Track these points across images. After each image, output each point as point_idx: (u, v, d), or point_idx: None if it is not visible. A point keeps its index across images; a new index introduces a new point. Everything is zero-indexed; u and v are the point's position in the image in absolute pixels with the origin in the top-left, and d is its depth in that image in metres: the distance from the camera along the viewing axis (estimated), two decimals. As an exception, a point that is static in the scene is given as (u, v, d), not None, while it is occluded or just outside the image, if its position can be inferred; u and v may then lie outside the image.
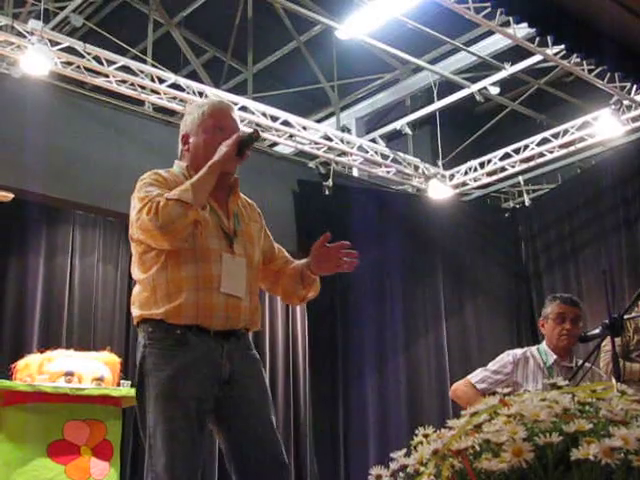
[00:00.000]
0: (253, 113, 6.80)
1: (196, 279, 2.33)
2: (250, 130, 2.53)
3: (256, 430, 2.34)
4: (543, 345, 3.70)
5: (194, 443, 2.25)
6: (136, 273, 2.44)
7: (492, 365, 3.67)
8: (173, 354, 2.30)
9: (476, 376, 3.65)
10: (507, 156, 7.77)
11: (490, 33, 6.90)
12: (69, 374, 4.38)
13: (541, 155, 7.60)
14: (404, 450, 1.51)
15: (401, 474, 1.47)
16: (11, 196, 5.95)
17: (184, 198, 2.25)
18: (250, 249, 2.48)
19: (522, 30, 5.87)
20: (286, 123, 7.05)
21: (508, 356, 3.67)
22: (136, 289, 2.43)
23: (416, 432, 1.54)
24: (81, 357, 4.61)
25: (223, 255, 2.38)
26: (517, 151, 7.69)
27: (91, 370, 4.49)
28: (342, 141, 7.50)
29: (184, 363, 2.28)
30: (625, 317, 2.89)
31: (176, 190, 2.29)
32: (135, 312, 2.41)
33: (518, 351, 3.71)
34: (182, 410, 2.25)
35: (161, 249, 2.34)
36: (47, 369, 4.39)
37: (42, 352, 4.57)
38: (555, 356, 3.63)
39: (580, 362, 3.41)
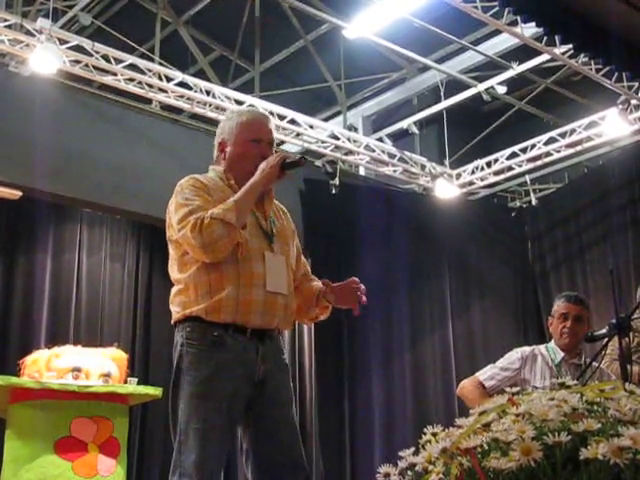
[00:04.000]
0: (260, 112, 6.80)
1: (237, 277, 2.38)
2: (297, 155, 2.60)
3: (280, 432, 2.40)
4: (551, 343, 3.72)
5: (224, 442, 2.32)
6: (175, 273, 2.48)
7: (500, 362, 3.68)
8: (210, 354, 2.35)
9: (484, 373, 3.65)
10: (514, 155, 7.76)
11: (497, 32, 6.89)
12: (77, 370, 4.40)
13: (548, 154, 7.58)
14: (412, 449, 1.52)
15: (409, 472, 1.48)
16: (19, 194, 5.99)
17: (227, 219, 2.32)
18: (286, 249, 2.56)
19: (529, 29, 5.86)
20: (293, 122, 7.05)
21: (517, 353, 3.69)
22: (175, 289, 2.47)
23: (423, 431, 1.55)
24: (88, 353, 4.63)
25: (265, 253, 2.44)
26: (524, 150, 7.68)
27: (98, 366, 4.51)
28: (349, 140, 7.50)
29: (220, 364, 2.34)
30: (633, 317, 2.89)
31: (220, 208, 2.35)
32: (175, 311, 2.45)
33: (527, 348, 3.73)
34: (216, 410, 2.30)
35: None
36: (55, 365, 4.41)
37: (50, 348, 4.59)
38: (563, 354, 3.64)
39: (588, 361, 3.42)
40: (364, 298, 2.56)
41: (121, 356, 4.73)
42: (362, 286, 2.56)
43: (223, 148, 2.59)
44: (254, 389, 2.39)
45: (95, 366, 4.50)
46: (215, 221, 2.31)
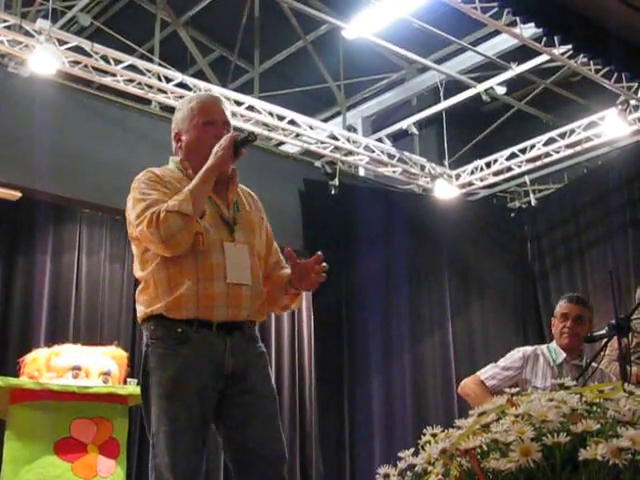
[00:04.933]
0: (259, 112, 6.81)
1: (196, 270, 2.31)
2: (246, 133, 2.51)
3: (254, 423, 2.32)
4: (553, 344, 3.73)
5: (197, 441, 2.26)
6: (137, 271, 2.44)
7: (502, 361, 3.68)
8: (175, 353, 2.29)
9: (486, 372, 3.65)
10: (513, 156, 7.76)
11: (497, 33, 6.89)
12: (76, 368, 4.39)
13: (547, 155, 7.59)
14: (412, 449, 1.52)
15: (409, 473, 1.48)
16: (18, 195, 5.99)
17: (184, 210, 2.25)
18: (251, 237, 2.46)
19: (529, 30, 5.86)
20: (292, 122, 7.06)
21: (518, 352, 3.69)
22: (139, 287, 2.43)
23: (422, 432, 1.55)
24: (88, 351, 4.62)
25: (225, 244, 2.36)
26: (523, 151, 7.68)
27: (98, 365, 4.51)
28: (348, 140, 7.50)
29: (185, 362, 2.28)
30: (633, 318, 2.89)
31: (175, 200, 2.28)
32: (138, 310, 2.41)
33: (529, 348, 3.74)
34: (185, 410, 2.25)
35: None
36: (54, 363, 4.40)
37: (50, 347, 4.58)
38: (565, 354, 3.64)
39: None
40: (322, 278, 2.40)
41: (121, 354, 4.72)
42: (324, 264, 2.39)
43: (179, 138, 2.53)
44: (224, 382, 2.32)
45: (95, 364, 4.49)
46: (171, 214, 2.24)
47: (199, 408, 2.27)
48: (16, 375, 4.46)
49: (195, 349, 2.29)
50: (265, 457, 2.31)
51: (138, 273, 2.43)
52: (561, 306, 3.73)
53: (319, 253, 2.41)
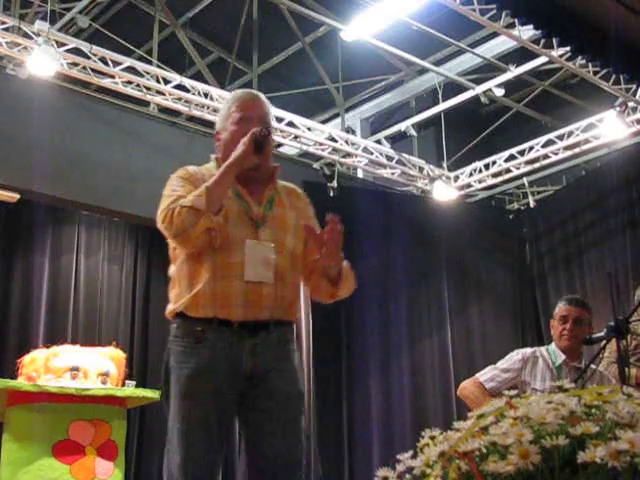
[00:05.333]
0: (258, 114, 6.80)
1: (214, 268, 2.29)
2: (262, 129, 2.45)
3: (273, 427, 2.28)
4: (552, 345, 3.72)
5: (210, 442, 2.23)
6: (169, 268, 2.44)
7: (501, 363, 3.68)
8: (192, 352, 2.28)
9: (485, 374, 3.64)
10: (512, 158, 7.77)
11: (495, 35, 6.90)
12: (75, 369, 4.40)
13: (546, 157, 7.59)
14: (410, 452, 1.52)
15: (407, 476, 1.47)
16: (17, 196, 5.98)
17: (196, 205, 2.23)
18: (281, 235, 2.39)
19: (527, 32, 5.86)
20: (291, 124, 7.06)
21: (517, 354, 3.69)
22: (170, 285, 2.42)
23: (421, 434, 1.54)
24: (87, 352, 4.63)
25: (247, 241, 2.31)
26: (522, 153, 7.68)
27: (97, 365, 4.51)
28: (347, 142, 7.50)
29: (202, 361, 2.26)
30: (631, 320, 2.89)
31: (191, 195, 2.27)
32: (168, 307, 2.40)
33: (528, 350, 3.74)
34: (199, 410, 2.24)
35: None
36: (53, 364, 4.40)
37: (48, 347, 4.58)
38: (564, 356, 3.64)
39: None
40: (336, 234, 2.30)
41: (119, 355, 4.73)
42: (339, 226, 2.29)
43: (219, 137, 2.51)
44: (245, 384, 2.28)
45: (93, 365, 4.50)
46: (184, 209, 2.22)
47: (214, 409, 2.24)
48: (15, 376, 4.46)
49: (212, 349, 2.27)
50: (279, 465, 2.27)
51: (169, 270, 2.43)
52: (560, 308, 3.72)
53: (331, 216, 2.31)
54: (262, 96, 2.57)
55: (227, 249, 2.30)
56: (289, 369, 2.36)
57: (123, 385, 4.62)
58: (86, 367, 4.46)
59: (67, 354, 4.52)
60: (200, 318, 2.29)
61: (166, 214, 2.26)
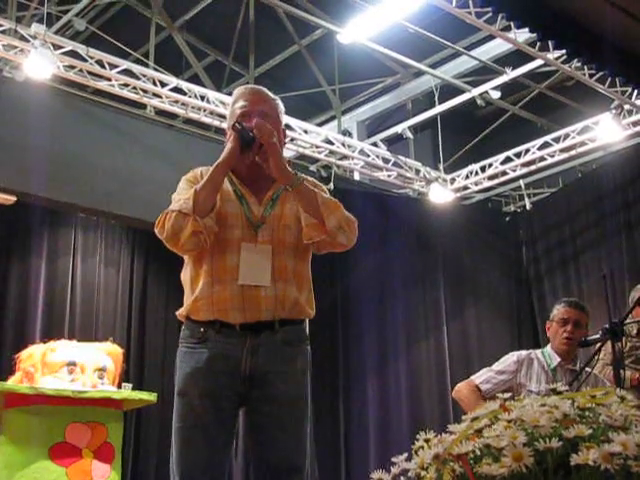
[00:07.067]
0: (255, 117, 6.80)
1: (211, 271, 2.30)
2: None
3: (272, 429, 2.27)
4: (548, 348, 3.73)
5: (207, 441, 2.23)
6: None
7: (497, 365, 3.68)
8: (194, 352, 2.30)
9: (480, 377, 3.65)
10: (508, 160, 7.78)
11: (491, 37, 6.92)
12: (72, 364, 4.38)
13: (542, 159, 7.61)
14: (405, 454, 1.52)
15: (402, 478, 1.48)
16: (13, 199, 5.98)
17: (184, 209, 2.23)
18: (281, 233, 2.35)
19: (523, 35, 5.88)
20: (287, 127, 7.05)
21: (513, 356, 3.70)
22: None
23: (417, 436, 1.55)
24: (84, 347, 4.61)
25: (242, 244, 2.30)
26: (518, 155, 7.70)
27: (94, 360, 4.49)
28: (343, 145, 7.51)
29: (201, 360, 2.27)
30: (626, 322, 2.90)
31: (181, 199, 2.27)
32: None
33: (523, 352, 3.75)
34: (193, 408, 2.25)
35: None
36: (50, 359, 4.39)
37: (45, 342, 4.58)
38: (559, 359, 3.65)
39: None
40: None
41: (116, 350, 4.71)
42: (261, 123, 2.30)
43: (227, 135, 2.47)
44: (245, 384, 2.27)
45: (90, 360, 4.48)
46: (174, 213, 2.24)
47: (212, 407, 2.25)
48: (12, 371, 4.45)
49: (213, 349, 2.28)
50: (280, 469, 2.27)
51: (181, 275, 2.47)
52: (560, 310, 3.72)
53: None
54: (264, 90, 2.56)
55: (223, 252, 2.30)
56: (292, 371, 2.34)
57: (120, 380, 4.62)
58: (83, 362, 4.44)
59: (64, 349, 4.51)
60: (202, 321, 2.32)
61: (160, 219, 2.28)
